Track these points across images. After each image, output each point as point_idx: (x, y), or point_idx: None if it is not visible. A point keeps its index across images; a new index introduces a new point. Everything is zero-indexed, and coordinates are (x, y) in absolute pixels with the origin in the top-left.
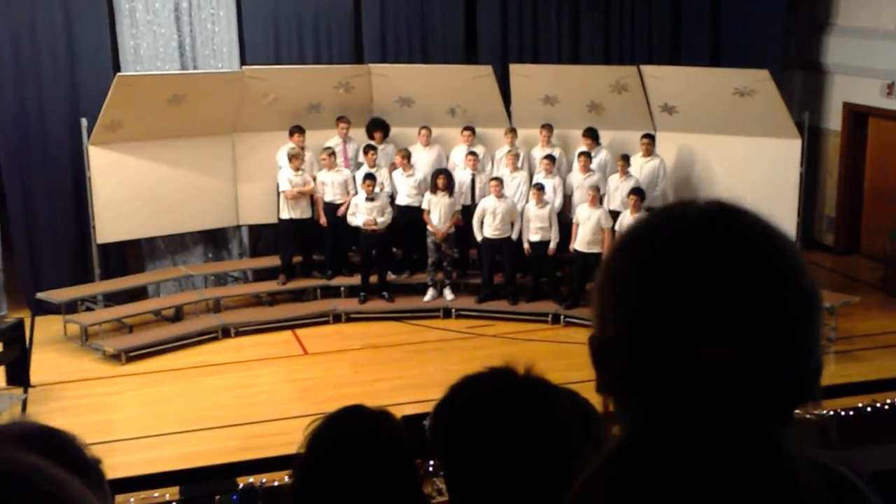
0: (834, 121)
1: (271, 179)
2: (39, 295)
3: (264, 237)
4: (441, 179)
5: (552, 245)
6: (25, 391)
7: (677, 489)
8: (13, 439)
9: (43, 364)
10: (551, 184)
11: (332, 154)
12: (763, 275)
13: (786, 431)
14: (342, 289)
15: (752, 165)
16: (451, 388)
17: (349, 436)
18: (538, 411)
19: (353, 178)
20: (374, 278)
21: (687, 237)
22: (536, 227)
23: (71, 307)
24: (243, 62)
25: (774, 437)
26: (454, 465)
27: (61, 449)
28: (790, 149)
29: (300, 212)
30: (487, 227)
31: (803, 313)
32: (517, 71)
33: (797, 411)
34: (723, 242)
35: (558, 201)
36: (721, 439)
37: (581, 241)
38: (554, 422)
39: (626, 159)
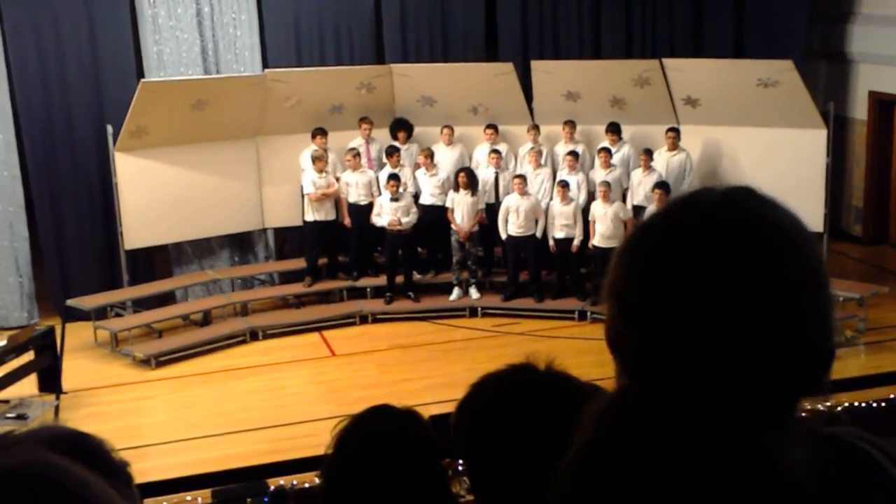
0: (860, 110)
1: (295, 182)
2: (69, 302)
3: (290, 240)
4: (462, 177)
5: (576, 242)
6: (57, 398)
7: (653, 485)
8: (41, 442)
9: (74, 370)
10: (575, 180)
11: (357, 155)
12: (762, 257)
13: (784, 425)
14: (368, 290)
15: (778, 157)
16: (473, 386)
17: (377, 436)
18: (560, 406)
19: (377, 178)
20: (399, 278)
21: (683, 226)
22: (561, 224)
23: (100, 313)
24: (265, 65)
25: (765, 435)
26: (478, 464)
27: (89, 452)
28: (816, 139)
29: (324, 214)
30: (511, 224)
31: (805, 295)
32: (538, 67)
33: (807, 403)
34: (725, 229)
35: (583, 197)
36: (708, 434)
37: (600, 237)
38: (576, 417)
39: (648, 153)
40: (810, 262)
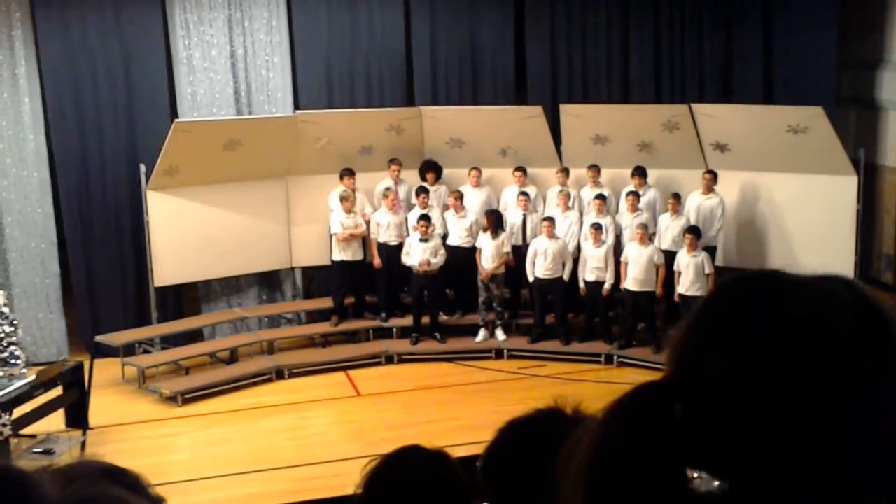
0: (891, 157)
1: (324, 222)
2: (98, 338)
3: (317, 279)
4: (487, 219)
5: (607, 285)
6: (84, 433)
7: None
8: (97, 473)
9: (101, 406)
10: (604, 223)
11: (395, 194)
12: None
13: None
14: (394, 330)
15: (808, 203)
16: (500, 430)
17: (407, 477)
18: None
19: (407, 219)
20: (426, 319)
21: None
22: (593, 267)
23: (129, 350)
24: (297, 107)
25: None
26: None
27: (132, 485)
28: (846, 186)
29: (352, 254)
30: (539, 267)
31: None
32: (567, 111)
33: None
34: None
35: (610, 240)
36: None
37: (632, 280)
38: None
39: (676, 197)
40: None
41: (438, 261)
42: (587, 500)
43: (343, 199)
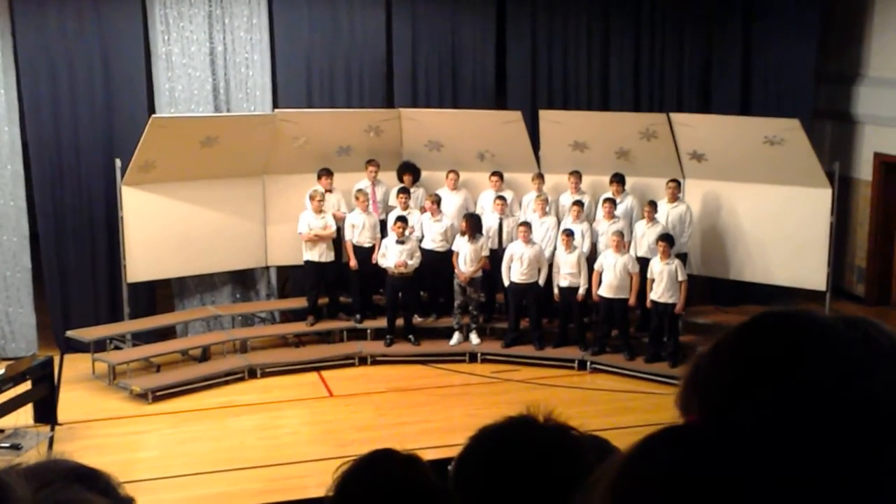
0: (864, 171)
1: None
2: (69, 333)
3: (292, 278)
4: (464, 223)
5: (581, 291)
6: (52, 429)
7: None
8: (69, 476)
9: (71, 402)
10: (579, 229)
11: (367, 196)
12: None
13: None
14: (368, 331)
15: (782, 214)
16: (472, 438)
17: (379, 481)
18: (560, 458)
19: (384, 220)
20: (400, 321)
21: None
22: (566, 273)
23: (100, 346)
24: (276, 105)
25: None
26: None
27: (104, 489)
28: (820, 198)
29: (319, 254)
30: (515, 272)
31: None
32: (546, 117)
33: None
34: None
35: (586, 246)
36: None
37: (607, 287)
38: (576, 468)
39: (653, 205)
40: None
41: (414, 263)
42: None
43: (311, 198)
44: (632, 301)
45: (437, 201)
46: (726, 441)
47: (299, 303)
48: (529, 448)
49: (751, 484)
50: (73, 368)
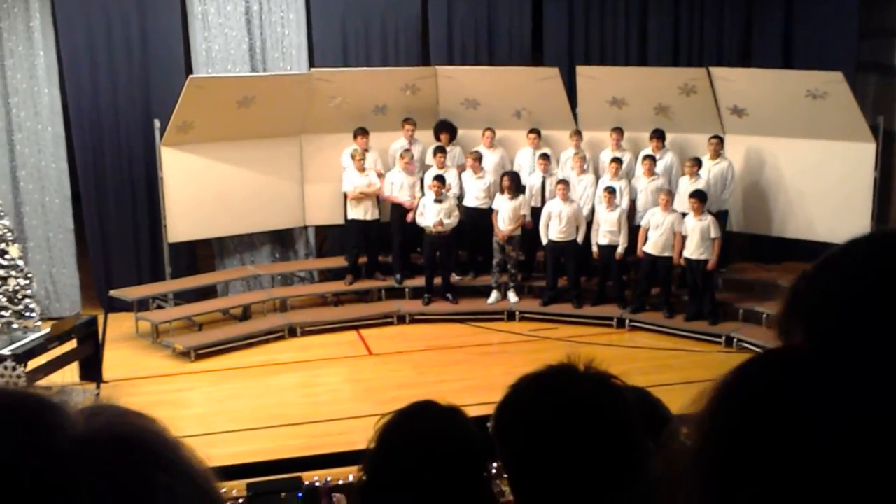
0: None
1: (337, 180)
2: (112, 293)
3: (330, 238)
4: (505, 181)
5: (620, 249)
6: (98, 386)
7: None
8: (122, 412)
9: (115, 360)
10: (618, 186)
11: (412, 156)
12: None
13: None
14: (407, 290)
15: (825, 169)
16: (513, 386)
17: (421, 432)
18: (599, 405)
19: (421, 179)
20: (438, 280)
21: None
22: (606, 231)
23: (142, 305)
24: (312, 64)
25: None
26: (518, 464)
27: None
28: (864, 153)
29: (364, 212)
30: (553, 230)
31: None
32: (584, 73)
33: None
34: None
35: (625, 203)
36: None
37: (653, 245)
38: (616, 415)
39: (696, 161)
40: None
41: (452, 222)
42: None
43: (352, 157)
44: (675, 259)
45: (479, 158)
46: (837, 366)
47: (338, 262)
48: (570, 395)
49: (861, 412)
50: (117, 327)
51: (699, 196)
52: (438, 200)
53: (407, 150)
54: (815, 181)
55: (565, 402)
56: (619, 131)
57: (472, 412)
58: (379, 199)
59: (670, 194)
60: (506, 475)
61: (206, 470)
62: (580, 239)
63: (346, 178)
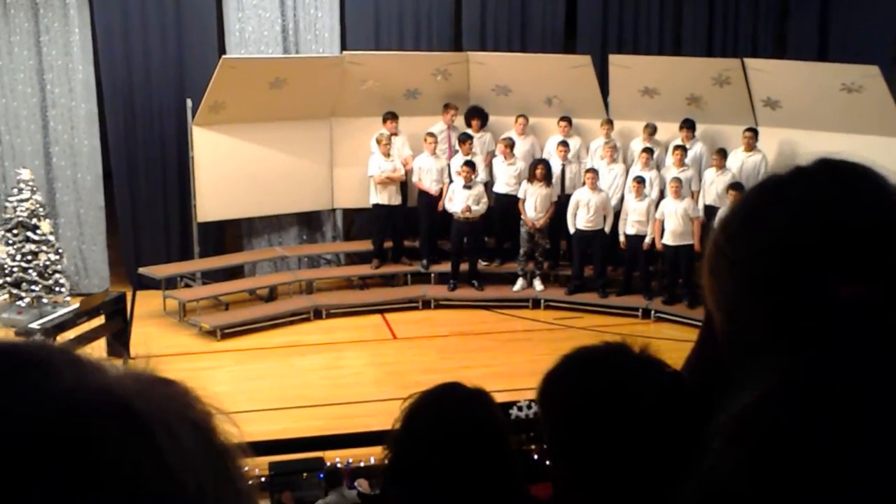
0: None
1: (366, 164)
2: (141, 270)
3: (357, 221)
4: (540, 169)
5: (648, 239)
6: (125, 362)
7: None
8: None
9: (142, 337)
10: (648, 176)
11: (435, 140)
12: None
13: None
14: (432, 275)
15: None
16: (564, 356)
17: (447, 412)
18: (650, 386)
19: (449, 165)
20: (464, 266)
21: (829, 179)
22: (634, 221)
23: (170, 283)
24: (344, 47)
25: None
26: (559, 434)
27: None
28: None
29: (388, 197)
30: (581, 219)
31: None
32: (616, 62)
33: None
34: (863, 187)
35: (654, 193)
36: (872, 383)
37: (671, 235)
38: (665, 401)
39: (722, 153)
40: None
41: (480, 208)
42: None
43: (378, 142)
44: (697, 245)
45: (511, 145)
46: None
47: (364, 245)
48: (620, 373)
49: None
50: (145, 304)
51: (739, 189)
52: (468, 187)
53: (430, 134)
54: None
55: (614, 378)
56: (651, 127)
57: (496, 398)
58: (404, 185)
59: (679, 182)
60: (545, 445)
61: (232, 447)
62: (608, 228)
63: (372, 162)
